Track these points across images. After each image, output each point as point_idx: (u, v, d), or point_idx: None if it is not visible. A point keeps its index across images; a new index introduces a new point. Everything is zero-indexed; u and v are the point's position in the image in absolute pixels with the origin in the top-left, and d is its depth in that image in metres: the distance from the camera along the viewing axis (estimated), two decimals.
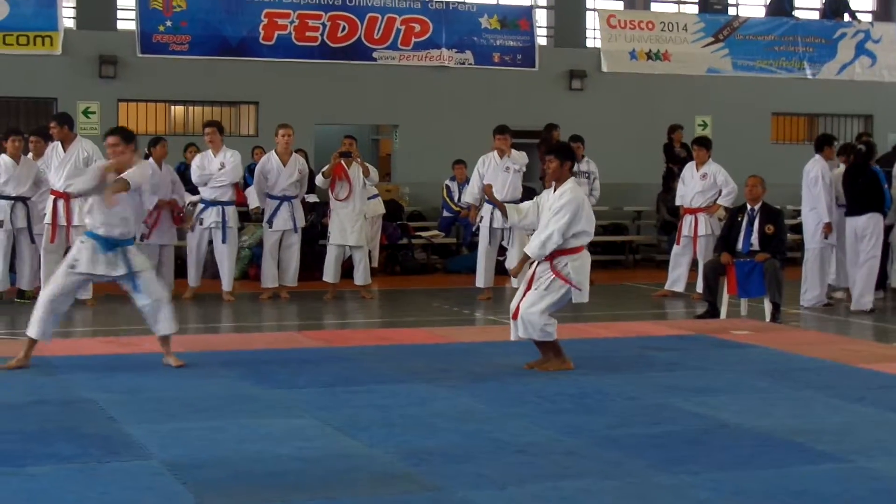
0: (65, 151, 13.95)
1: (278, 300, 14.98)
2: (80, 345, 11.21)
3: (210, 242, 15.11)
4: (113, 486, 6.11)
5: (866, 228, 14.29)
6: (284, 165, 15.09)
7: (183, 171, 16.26)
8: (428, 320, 13.54)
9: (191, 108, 20.60)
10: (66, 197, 13.76)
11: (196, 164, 15.11)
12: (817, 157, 14.83)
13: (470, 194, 15.55)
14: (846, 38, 23.83)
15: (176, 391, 8.70)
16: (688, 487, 6.23)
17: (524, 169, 15.40)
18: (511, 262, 15.14)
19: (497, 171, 15.14)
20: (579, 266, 9.56)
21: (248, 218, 17.37)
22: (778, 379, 9.43)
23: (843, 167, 14.90)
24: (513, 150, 15.34)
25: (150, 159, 14.88)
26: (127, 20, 20.37)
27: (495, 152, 15.28)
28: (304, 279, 15.91)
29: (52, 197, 13.97)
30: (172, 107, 20.55)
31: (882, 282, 15.02)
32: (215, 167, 14.89)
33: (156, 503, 5.89)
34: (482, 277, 15.45)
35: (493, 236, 15.35)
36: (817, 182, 14.62)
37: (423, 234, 19.46)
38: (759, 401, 8.58)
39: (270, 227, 15.10)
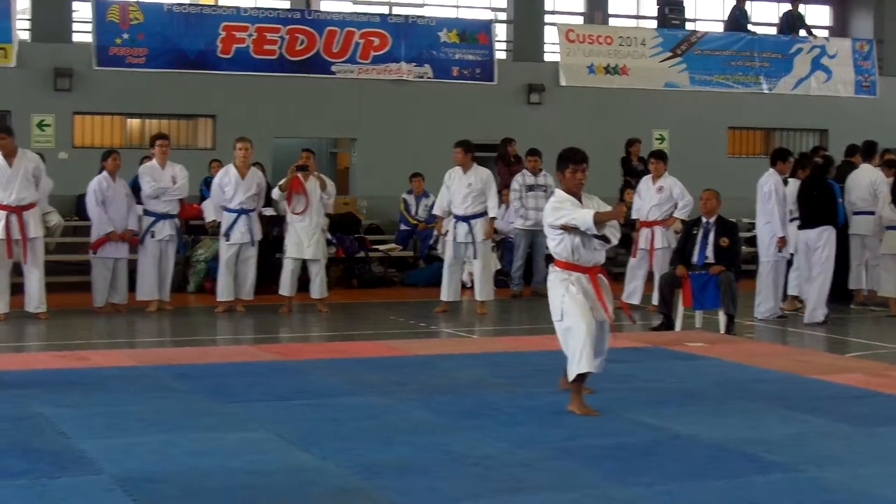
0: (10, 166, 13.85)
1: (234, 313, 14.93)
2: (33, 359, 11.13)
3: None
4: (64, 502, 6.06)
5: (818, 241, 14.37)
6: (243, 179, 15.05)
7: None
8: (384, 333, 13.53)
9: (147, 121, 20.51)
10: (19, 210, 13.71)
11: (147, 175, 15.00)
12: (771, 170, 14.92)
13: (438, 206, 15.62)
14: (802, 53, 24.02)
15: (128, 405, 8.63)
16: (641, 499, 6.24)
17: (488, 184, 15.35)
18: (477, 274, 15.24)
19: (460, 185, 15.19)
20: None
21: (204, 231, 17.32)
22: (731, 390, 9.46)
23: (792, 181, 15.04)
24: (475, 165, 15.35)
25: (104, 172, 14.86)
26: (83, 32, 20.30)
27: (459, 167, 15.32)
28: (260, 292, 15.88)
29: (3, 212, 13.83)
30: (128, 120, 20.46)
31: (841, 292, 15.10)
32: (167, 180, 14.84)
33: None
34: (447, 291, 15.45)
35: (456, 250, 15.36)
36: (771, 196, 14.70)
37: (381, 247, 19.45)
38: (713, 412, 8.61)
39: (227, 241, 15.04)
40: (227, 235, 15.05)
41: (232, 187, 15.01)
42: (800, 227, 14.63)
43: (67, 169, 18.09)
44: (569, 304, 8.40)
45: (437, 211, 15.80)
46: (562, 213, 8.44)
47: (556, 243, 8.55)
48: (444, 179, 15.51)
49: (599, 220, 8.30)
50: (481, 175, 15.31)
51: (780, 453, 7.25)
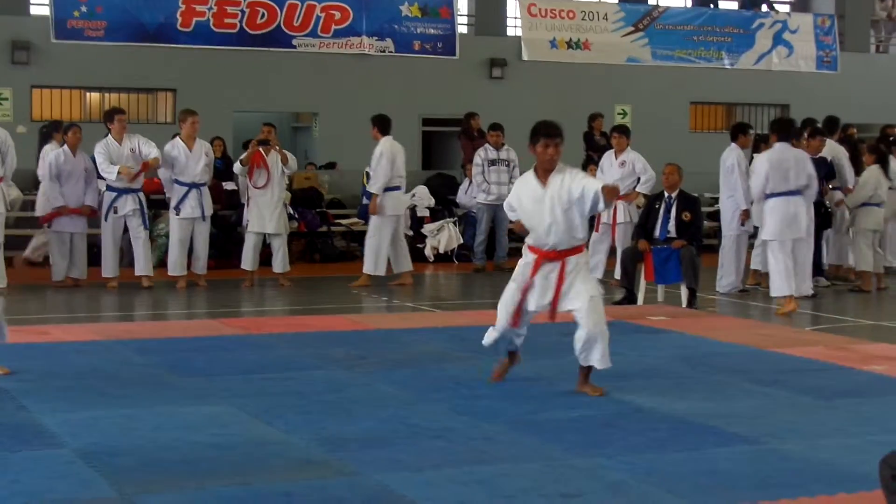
0: None
1: (196, 288, 14.87)
2: None
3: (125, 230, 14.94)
4: (24, 474, 6.03)
5: None
6: (191, 151, 14.90)
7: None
8: (347, 307, 13.53)
9: (107, 94, 20.37)
10: None
11: (102, 153, 14.62)
12: (733, 145, 14.96)
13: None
14: (764, 28, 24.10)
15: (90, 379, 8.60)
16: (602, 469, 6.27)
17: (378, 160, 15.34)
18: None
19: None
20: None
21: (165, 206, 17.22)
22: (693, 364, 9.51)
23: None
24: (381, 139, 15.35)
25: (65, 146, 14.76)
26: (40, 5, 20.11)
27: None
28: (222, 267, 15.81)
29: None
30: (88, 94, 20.33)
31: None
32: (125, 155, 14.64)
33: (69, 491, 5.82)
34: (392, 264, 15.49)
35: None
36: (734, 170, 14.75)
37: (343, 221, 19.41)
38: (674, 385, 8.65)
39: (178, 215, 14.93)
40: (178, 209, 14.94)
41: (182, 161, 14.85)
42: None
43: (25, 143, 17.91)
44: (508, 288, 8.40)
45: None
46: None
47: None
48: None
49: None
50: (376, 150, 15.30)
51: (742, 426, 7.30)
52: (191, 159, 14.85)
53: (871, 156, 15.51)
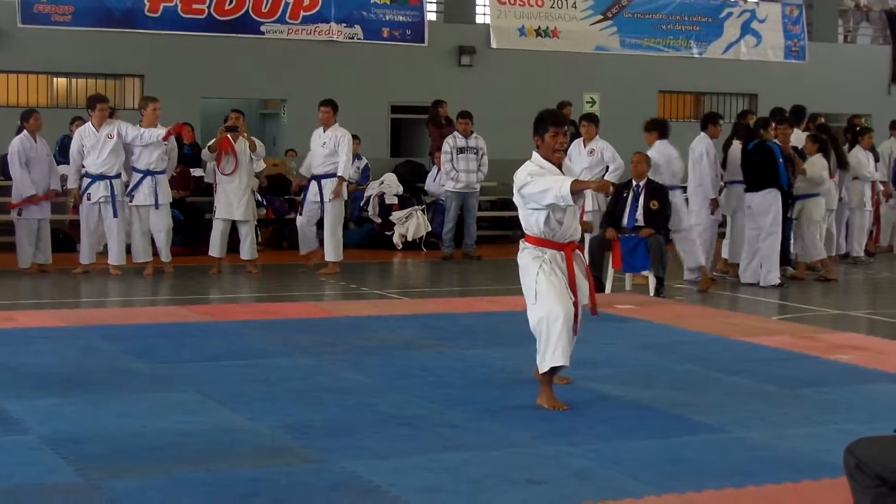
0: None
1: (162, 274, 14.82)
2: None
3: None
4: None
5: (763, 204, 14.46)
6: None
7: (67, 145, 15.89)
8: (314, 294, 13.51)
9: (74, 80, 20.24)
10: None
11: (75, 138, 14.72)
12: (702, 134, 15.00)
13: (305, 167, 15.69)
14: (732, 17, 24.14)
15: (55, 366, 8.58)
16: (568, 457, 6.29)
17: (340, 144, 15.35)
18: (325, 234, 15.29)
19: (317, 144, 15.34)
20: None
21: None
22: (659, 352, 9.55)
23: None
24: (336, 125, 15.36)
25: (25, 132, 14.68)
26: None
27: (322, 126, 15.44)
28: (189, 253, 15.75)
29: None
30: (55, 79, 20.19)
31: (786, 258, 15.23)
32: (101, 141, 14.55)
33: (35, 477, 5.80)
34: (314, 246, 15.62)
35: (309, 210, 15.46)
36: (702, 159, 14.80)
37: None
38: (641, 373, 8.69)
39: (130, 202, 14.85)
40: (131, 196, 14.87)
41: (139, 147, 14.75)
42: (745, 191, 14.72)
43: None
44: (544, 286, 7.43)
45: (303, 171, 15.79)
46: (538, 183, 7.40)
47: (528, 215, 7.58)
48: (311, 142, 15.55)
49: (577, 189, 7.37)
50: (336, 134, 15.27)
51: (707, 414, 7.33)
52: (147, 146, 14.73)
53: (813, 145, 15.40)
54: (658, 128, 14.63)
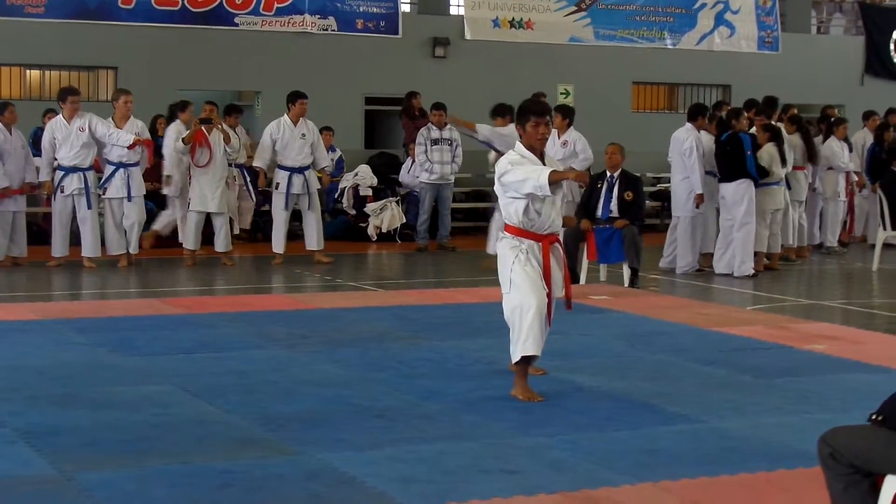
0: None
1: (136, 267, 14.76)
2: None
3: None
4: None
5: (736, 195, 14.49)
6: (122, 130, 14.73)
7: (41, 137, 15.81)
8: (289, 286, 13.49)
9: (47, 72, 20.14)
10: None
11: (47, 130, 14.66)
12: (689, 125, 14.96)
13: (260, 158, 15.68)
14: (706, 8, 24.15)
15: (29, 359, 8.54)
16: (544, 448, 6.30)
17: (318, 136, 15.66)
18: (310, 231, 15.35)
19: (293, 137, 15.23)
20: None
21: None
22: (634, 343, 9.57)
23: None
24: (309, 122, 15.56)
25: (0, 125, 14.62)
26: None
27: (289, 118, 15.47)
28: (164, 246, 15.68)
29: None
30: (28, 71, 20.08)
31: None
32: (73, 132, 14.50)
33: (9, 469, 5.80)
34: (280, 243, 15.61)
35: (289, 201, 15.48)
36: (692, 152, 14.73)
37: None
38: (616, 364, 8.71)
39: (103, 194, 14.81)
40: (104, 188, 14.82)
41: (113, 140, 14.66)
42: (718, 181, 14.74)
43: None
44: (518, 276, 7.44)
45: (259, 163, 15.78)
46: (517, 172, 7.40)
47: (507, 204, 7.56)
48: (268, 132, 15.56)
49: (555, 179, 7.32)
50: (312, 126, 15.54)
51: (682, 404, 7.36)
52: (121, 140, 14.65)
53: (764, 133, 15.24)
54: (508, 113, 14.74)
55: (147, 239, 15.99)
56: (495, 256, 7.88)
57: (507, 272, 7.53)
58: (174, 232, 16.16)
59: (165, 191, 16.07)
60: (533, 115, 7.57)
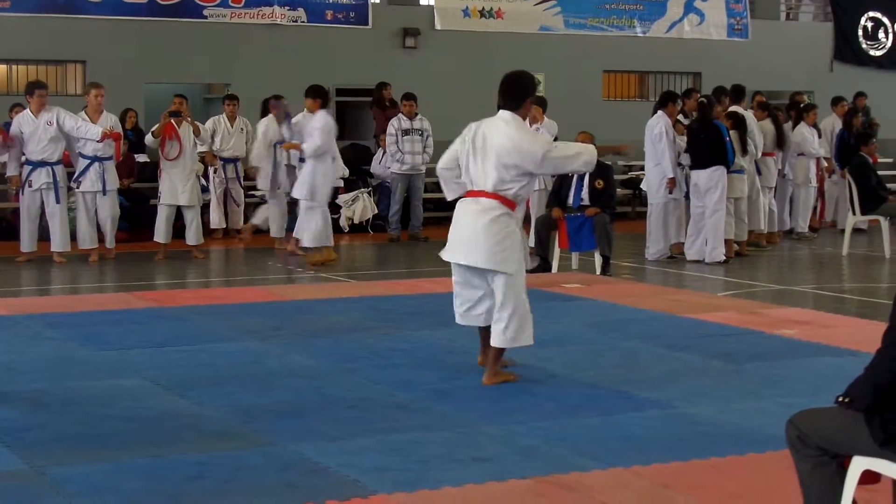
0: None
1: (107, 261, 14.73)
2: None
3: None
4: None
5: (710, 182, 14.54)
6: (95, 124, 14.69)
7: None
8: (261, 279, 13.47)
9: (14, 66, 20.04)
10: None
11: (14, 124, 14.55)
12: (660, 113, 15.03)
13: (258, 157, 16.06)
14: None
15: None
16: (515, 436, 6.33)
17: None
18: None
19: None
20: None
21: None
22: (606, 330, 9.60)
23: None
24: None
25: None
26: None
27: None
28: (135, 239, 15.64)
29: None
30: None
31: None
32: (40, 126, 14.43)
33: None
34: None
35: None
36: (662, 138, 14.82)
37: (258, 193, 19.26)
38: (587, 352, 8.73)
39: (77, 188, 14.77)
40: (78, 182, 14.78)
41: (84, 133, 14.62)
42: (691, 168, 14.79)
43: None
44: (526, 262, 7.62)
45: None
46: (563, 148, 7.49)
47: (522, 185, 7.52)
48: (259, 128, 16.08)
49: (603, 152, 7.63)
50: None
51: (653, 390, 7.39)
52: (93, 133, 14.60)
53: (727, 121, 15.21)
54: (321, 95, 14.75)
55: (246, 231, 16.73)
56: None
57: (517, 251, 7.52)
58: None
59: (259, 185, 16.41)
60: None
